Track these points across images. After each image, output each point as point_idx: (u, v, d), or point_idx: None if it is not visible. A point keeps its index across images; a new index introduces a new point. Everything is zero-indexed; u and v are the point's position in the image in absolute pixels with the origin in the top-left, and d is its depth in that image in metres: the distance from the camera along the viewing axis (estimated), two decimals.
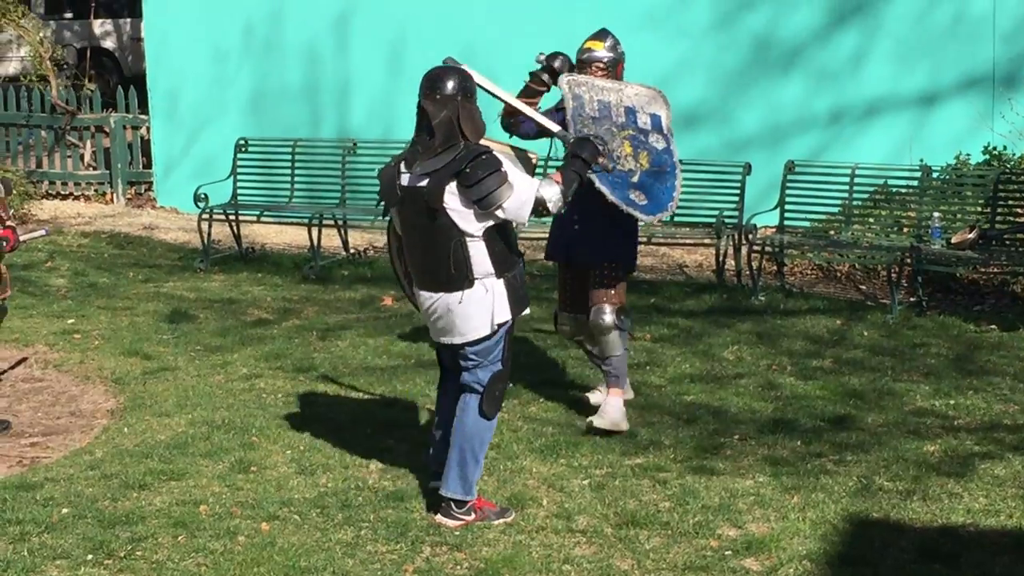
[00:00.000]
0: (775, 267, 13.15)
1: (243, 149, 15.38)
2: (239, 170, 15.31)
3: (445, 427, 7.95)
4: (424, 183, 7.46)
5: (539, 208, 7.61)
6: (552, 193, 7.63)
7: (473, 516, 7.69)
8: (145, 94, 17.64)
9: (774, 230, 13.15)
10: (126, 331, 11.75)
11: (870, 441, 8.76)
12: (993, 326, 11.33)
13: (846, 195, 12.97)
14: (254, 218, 15.05)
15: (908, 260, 12.13)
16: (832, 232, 13.10)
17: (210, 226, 14.57)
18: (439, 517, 7.70)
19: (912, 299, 12.03)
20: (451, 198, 7.42)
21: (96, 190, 18.13)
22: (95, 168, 18.23)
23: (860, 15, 14.40)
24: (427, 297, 7.65)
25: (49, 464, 8.71)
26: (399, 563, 7.18)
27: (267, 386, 10.17)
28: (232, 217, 14.85)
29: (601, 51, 9.11)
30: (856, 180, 12.92)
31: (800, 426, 9.07)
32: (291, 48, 16.69)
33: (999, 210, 12.46)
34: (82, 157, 18.28)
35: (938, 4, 14.15)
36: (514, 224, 7.70)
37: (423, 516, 7.71)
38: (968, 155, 13.57)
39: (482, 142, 7.63)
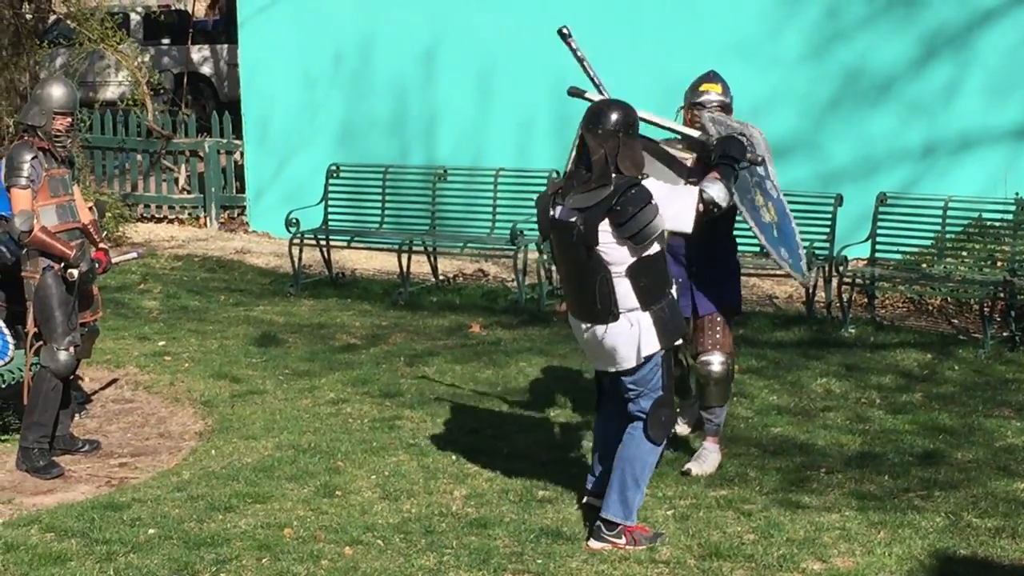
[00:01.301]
0: (866, 300, 13.05)
1: (335, 175, 15.47)
2: (330, 196, 15.40)
3: (602, 451, 8.07)
4: (574, 218, 7.51)
5: (710, 208, 7.86)
6: (718, 190, 7.89)
7: (624, 540, 7.68)
8: (239, 119, 17.80)
9: (865, 262, 13.06)
10: (215, 354, 11.84)
11: (959, 477, 8.66)
12: None
13: (939, 228, 12.86)
14: (344, 244, 15.13)
15: (1001, 294, 12.00)
16: (924, 265, 12.98)
17: (301, 251, 14.67)
18: (591, 541, 7.70)
19: (1004, 334, 11.89)
20: (604, 235, 7.47)
21: (190, 214, 18.31)
22: (189, 192, 18.42)
23: (952, 47, 14.28)
24: (579, 325, 7.77)
25: (137, 485, 8.79)
26: None
27: (353, 411, 10.21)
28: (323, 242, 14.93)
29: (715, 94, 8.96)
30: (949, 213, 12.80)
31: (888, 460, 8.98)
32: (380, 78, 16.80)
33: None
34: (176, 181, 18.47)
35: None
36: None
37: (506, 544, 7.70)
38: None
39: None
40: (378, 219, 15.30)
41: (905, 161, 14.43)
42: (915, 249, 13.13)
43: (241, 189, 18.08)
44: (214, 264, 15.94)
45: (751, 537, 7.77)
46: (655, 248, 7.57)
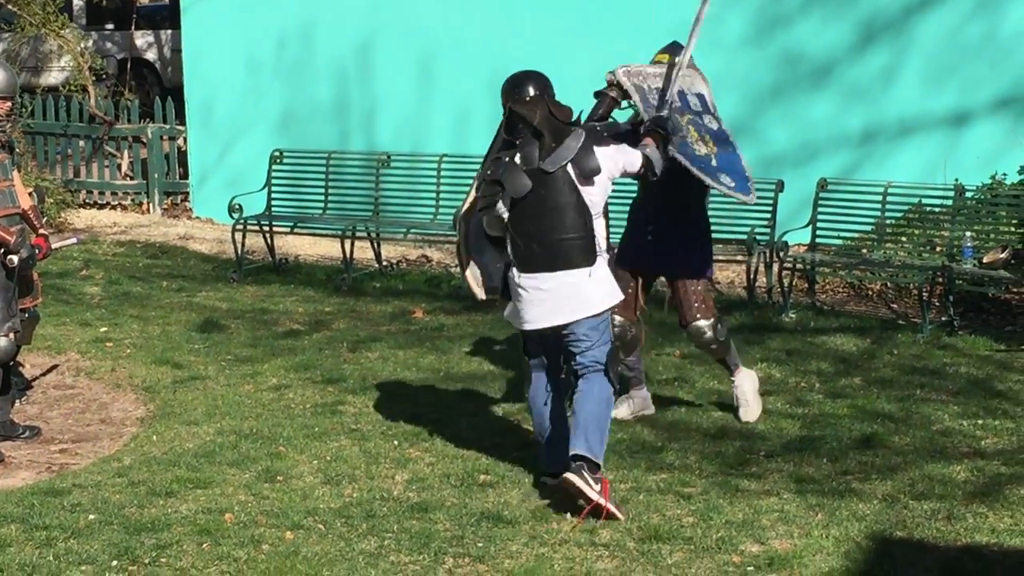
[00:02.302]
0: (806, 285, 13.13)
1: (278, 161, 15.45)
2: (273, 182, 15.38)
3: (555, 424, 8.29)
4: (555, 170, 7.97)
5: (647, 169, 8.21)
6: (655, 154, 8.24)
7: (598, 488, 7.79)
8: (183, 105, 17.74)
9: (806, 248, 13.13)
10: (158, 340, 11.82)
11: (896, 460, 8.74)
12: None
13: (878, 214, 12.94)
14: (287, 229, 15.10)
15: (940, 279, 12.11)
16: (864, 251, 13.07)
17: (244, 237, 14.64)
18: (569, 475, 7.80)
19: (943, 319, 11.99)
20: (604, 161, 8.03)
21: (132, 200, 18.24)
22: (132, 178, 18.34)
23: (890, 32, 14.35)
24: (544, 279, 7.99)
25: (77, 471, 8.78)
26: (421, 574, 7.21)
27: (296, 396, 10.22)
28: (266, 228, 14.91)
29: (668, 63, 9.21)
30: (889, 199, 12.89)
31: (826, 444, 9.06)
32: (322, 64, 16.79)
33: None
34: (119, 167, 18.39)
35: (970, 22, 14.08)
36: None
37: (447, 528, 7.73)
38: (1004, 175, 13.51)
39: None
40: (321, 205, 15.29)
41: (845, 147, 14.50)
42: (855, 235, 13.20)
43: (184, 175, 18.02)
44: (157, 250, 15.89)
45: (690, 520, 7.83)
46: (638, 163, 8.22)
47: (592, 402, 8.02)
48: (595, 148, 8.02)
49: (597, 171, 7.98)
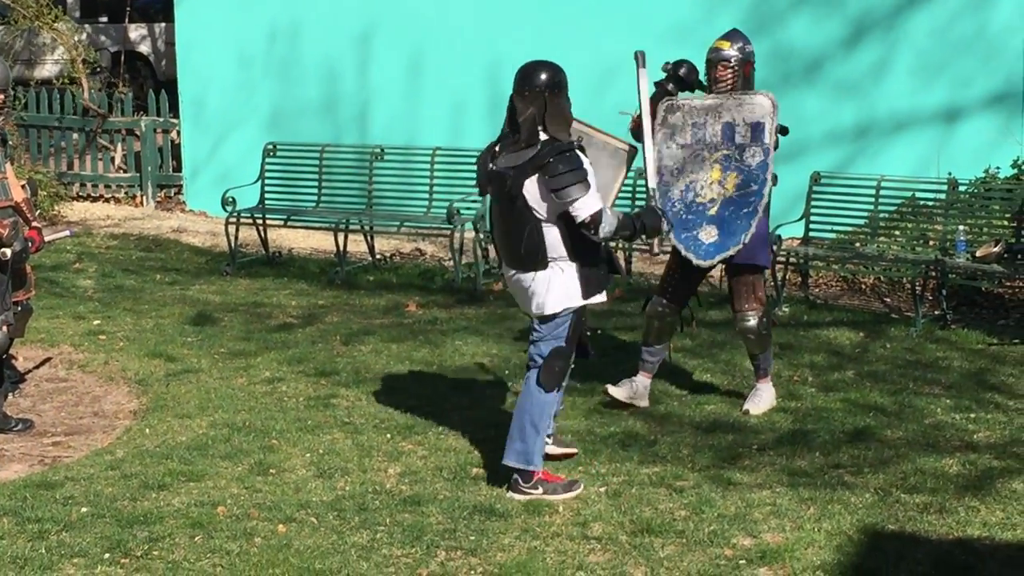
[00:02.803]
0: (799, 279, 13.14)
1: (271, 154, 15.44)
2: (266, 175, 15.37)
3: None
4: (509, 173, 7.92)
5: (591, 224, 7.87)
6: (609, 223, 7.93)
7: (540, 490, 7.99)
8: (176, 98, 17.73)
9: (799, 242, 13.14)
10: (151, 333, 11.82)
11: (888, 454, 8.75)
12: (1017, 340, 11.29)
13: (872, 207, 12.95)
14: (281, 223, 15.09)
15: (933, 273, 12.12)
16: (857, 245, 13.08)
17: (237, 230, 14.64)
18: (509, 493, 8.05)
19: (936, 312, 12.00)
20: (531, 188, 7.86)
21: (126, 193, 18.23)
22: (125, 171, 18.33)
23: (882, 28, 14.37)
24: (509, 273, 8.19)
25: (70, 463, 8.78)
26: (414, 567, 7.21)
27: (289, 390, 10.22)
28: (259, 221, 14.91)
29: (729, 50, 9.40)
30: (882, 193, 12.89)
31: (819, 438, 9.07)
32: (314, 57, 16.82)
33: None
34: (113, 160, 18.38)
35: (960, 17, 14.11)
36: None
37: (439, 521, 7.74)
38: (998, 168, 13.52)
39: (575, 125, 8.13)
40: (315, 198, 15.28)
41: (838, 141, 14.52)
42: (848, 228, 13.21)
43: (178, 168, 18.01)
44: (150, 243, 15.89)
45: (683, 513, 7.83)
46: (572, 211, 7.85)
47: (521, 407, 8.18)
48: (541, 175, 7.84)
49: (520, 195, 7.89)
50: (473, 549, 7.39)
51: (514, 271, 8.13)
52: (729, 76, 9.34)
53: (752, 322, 9.52)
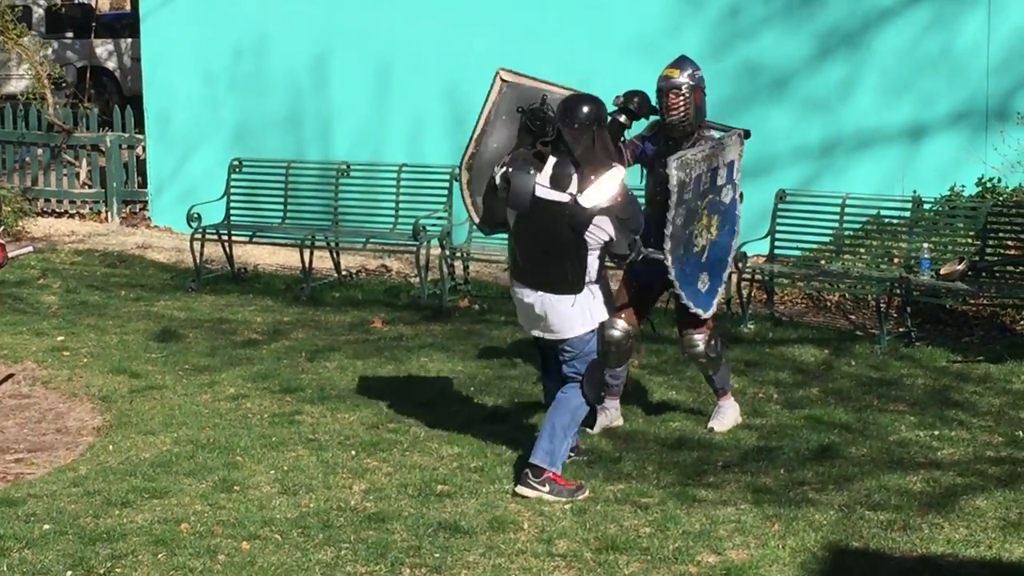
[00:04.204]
0: (765, 296, 13.16)
1: (237, 170, 15.41)
2: (232, 191, 15.34)
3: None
4: (565, 199, 8.20)
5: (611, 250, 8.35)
6: (622, 241, 8.34)
7: (547, 488, 8.22)
8: (142, 114, 17.69)
9: (764, 259, 13.15)
10: (115, 349, 11.78)
11: (853, 471, 8.76)
12: (981, 358, 11.33)
13: (837, 225, 12.98)
14: (246, 239, 15.05)
15: (897, 291, 12.15)
16: (822, 262, 13.11)
17: (202, 246, 14.60)
18: (518, 487, 8.32)
19: (901, 330, 12.03)
20: (604, 223, 8.24)
21: (91, 208, 18.17)
22: (90, 187, 18.26)
23: (848, 45, 14.42)
24: (528, 293, 8.41)
25: (33, 480, 8.73)
26: None
27: (253, 406, 10.19)
28: (225, 237, 14.87)
29: (679, 78, 9.37)
30: (847, 210, 12.93)
31: (784, 455, 9.08)
32: (278, 74, 16.83)
33: (989, 242, 12.47)
34: (78, 175, 18.32)
35: (927, 35, 14.17)
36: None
37: (403, 538, 7.72)
38: (963, 187, 13.57)
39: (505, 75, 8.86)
40: (280, 214, 15.26)
41: (804, 159, 14.56)
42: (813, 246, 13.24)
43: (143, 184, 17.96)
44: (115, 259, 15.84)
45: (647, 530, 7.83)
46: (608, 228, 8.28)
47: (562, 411, 8.43)
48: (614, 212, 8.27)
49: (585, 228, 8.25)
50: (438, 566, 7.37)
51: (540, 293, 8.36)
52: (681, 104, 9.31)
53: (700, 347, 9.45)
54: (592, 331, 8.39)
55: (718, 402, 9.74)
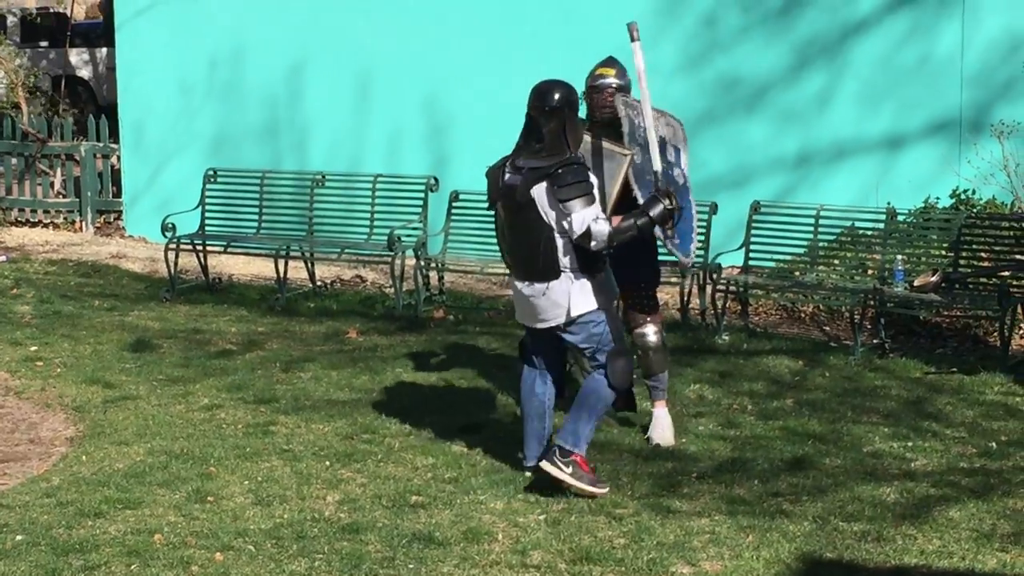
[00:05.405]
0: (739, 307, 13.17)
1: (212, 180, 15.39)
2: (207, 201, 15.31)
3: (534, 422, 8.83)
4: (517, 181, 8.36)
5: (583, 238, 8.26)
6: (601, 232, 8.26)
7: (570, 470, 8.34)
8: (117, 123, 17.66)
9: (739, 270, 13.17)
10: (89, 359, 11.74)
11: (827, 482, 8.77)
12: (954, 369, 11.35)
13: (811, 236, 13.00)
14: (221, 249, 15.02)
15: (871, 302, 12.18)
16: (797, 273, 13.13)
17: (177, 256, 14.57)
18: (543, 463, 8.41)
19: (875, 341, 12.06)
20: (539, 194, 8.29)
21: (65, 218, 18.14)
22: (65, 196, 18.23)
23: (825, 56, 14.47)
24: (521, 285, 8.54)
25: (5, 491, 8.69)
26: None
27: (228, 417, 10.17)
28: (199, 248, 14.85)
29: (612, 78, 9.37)
30: (822, 222, 12.95)
31: (758, 466, 9.08)
32: (254, 83, 16.86)
33: (963, 254, 12.50)
34: (52, 185, 18.29)
35: (904, 47, 14.22)
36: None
37: (377, 549, 7.70)
38: (937, 199, 13.62)
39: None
40: (255, 225, 15.23)
41: (779, 170, 14.60)
42: (788, 257, 13.25)
43: (117, 194, 17.94)
44: (89, 269, 15.80)
45: (622, 541, 7.83)
46: (567, 224, 8.26)
47: (590, 397, 8.53)
48: (549, 183, 8.28)
49: (528, 200, 8.33)
50: None
51: (527, 283, 8.48)
52: (611, 103, 9.36)
53: (653, 338, 9.46)
54: (594, 321, 8.42)
55: (654, 411, 9.62)
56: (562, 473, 8.34)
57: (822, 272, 13.00)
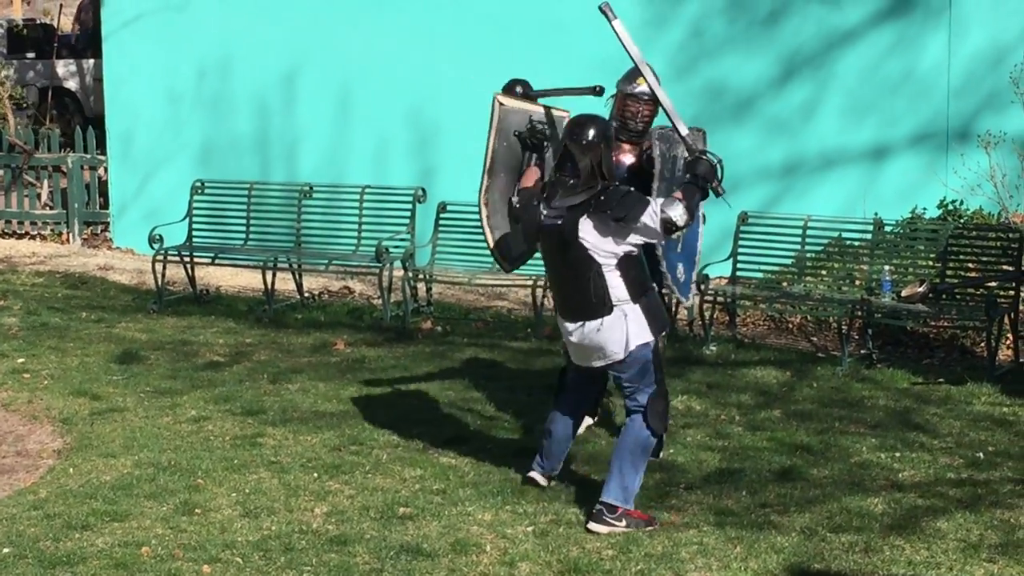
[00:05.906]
0: (727, 318, 13.18)
1: (199, 191, 15.37)
2: (194, 212, 15.29)
3: (556, 442, 8.80)
4: (560, 220, 8.21)
5: (667, 226, 8.13)
6: (677, 211, 8.14)
7: (623, 523, 8.11)
8: (104, 135, 17.65)
9: (727, 281, 13.18)
10: (76, 371, 11.73)
11: (815, 493, 8.78)
12: (941, 380, 11.37)
13: (799, 247, 13.01)
14: (208, 261, 15.00)
15: (859, 313, 12.19)
16: (784, 284, 13.14)
17: (164, 268, 14.55)
18: (591, 524, 8.16)
19: (862, 352, 12.07)
20: (586, 229, 8.13)
21: (52, 230, 18.12)
22: (52, 208, 18.21)
23: (812, 67, 14.50)
24: (570, 326, 8.34)
25: None
26: None
27: (215, 428, 10.16)
28: (187, 259, 14.83)
29: (646, 87, 9.26)
30: (809, 232, 12.96)
31: (746, 477, 9.09)
32: (242, 95, 16.85)
33: (950, 264, 12.52)
34: (39, 196, 18.27)
35: (889, 57, 14.25)
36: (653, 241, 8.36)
37: (365, 561, 7.70)
38: (924, 209, 13.64)
39: (503, 99, 8.89)
40: (243, 236, 15.22)
41: (766, 180, 14.61)
42: (775, 268, 13.26)
43: (105, 205, 17.92)
44: (76, 280, 15.78)
45: (610, 553, 7.83)
46: (634, 242, 8.17)
47: (630, 445, 8.34)
48: (597, 212, 8.14)
49: (575, 238, 8.15)
50: None
51: (579, 323, 8.27)
52: (647, 112, 9.40)
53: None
54: (643, 356, 8.27)
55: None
56: (615, 528, 8.14)
57: (810, 283, 13.01)
